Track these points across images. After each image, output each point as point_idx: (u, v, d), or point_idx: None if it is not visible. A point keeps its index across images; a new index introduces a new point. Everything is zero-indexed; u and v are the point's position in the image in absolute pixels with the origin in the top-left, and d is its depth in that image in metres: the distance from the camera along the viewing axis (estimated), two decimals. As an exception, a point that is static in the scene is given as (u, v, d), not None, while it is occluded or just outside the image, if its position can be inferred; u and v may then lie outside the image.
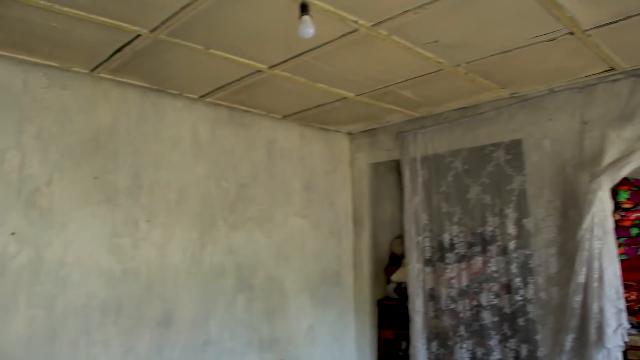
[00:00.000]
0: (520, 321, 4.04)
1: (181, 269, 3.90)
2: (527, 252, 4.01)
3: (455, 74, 3.62)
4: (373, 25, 2.87)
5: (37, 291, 3.19)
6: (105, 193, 3.56)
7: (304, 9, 2.30)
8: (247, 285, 4.32)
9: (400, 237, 5.08)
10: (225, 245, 4.20)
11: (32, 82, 3.31)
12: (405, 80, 3.75)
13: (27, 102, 3.27)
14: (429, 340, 4.57)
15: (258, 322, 4.37)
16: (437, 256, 4.58)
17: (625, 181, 3.55)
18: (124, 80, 3.68)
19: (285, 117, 4.72)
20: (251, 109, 4.46)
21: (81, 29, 2.87)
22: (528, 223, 4.00)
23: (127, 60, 3.33)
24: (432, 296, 4.59)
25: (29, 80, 3.29)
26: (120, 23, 2.81)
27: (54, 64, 3.36)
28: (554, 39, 3.04)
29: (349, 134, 5.42)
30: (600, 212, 3.41)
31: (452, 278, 4.46)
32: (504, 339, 4.16)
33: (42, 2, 2.56)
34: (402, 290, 4.97)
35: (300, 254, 4.79)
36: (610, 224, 3.43)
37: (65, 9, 2.63)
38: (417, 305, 4.57)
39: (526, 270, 4.02)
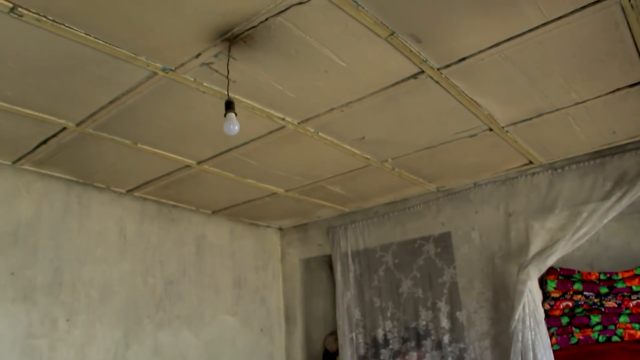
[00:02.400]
0: (458, 419, 3.94)
1: (102, 373, 3.63)
2: (462, 345, 3.97)
3: (383, 169, 3.70)
4: (300, 123, 2.93)
5: None
6: (22, 290, 3.33)
7: (229, 106, 2.31)
8: (173, 389, 4.06)
9: (333, 334, 4.96)
10: (151, 345, 3.97)
11: (-52, 174, 3.14)
12: (333, 176, 3.80)
13: (-59, 195, 3.10)
14: None
15: None
16: (372, 352, 4.47)
17: (552, 270, 3.62)
18: (49, 172, 3.57)
19: (214, 212, 4.65)
20: (180, 204, 4.38)
21: (5, 121, 2.80)
22: (461, 316, 4.00)
23: (52, 153, 3.25)
24: (368, 395, 4.44)
25: (-55, 172, 3.13)
26: (45, 116, 2.76)
27: (-26, 155, 3.23)
28: (475, 135, 3.18)
29: (280, 229, 5.38)
30: (531, 303, 3.46)
31: (387, 375, 4.35)
32: None
33: (-41, 95, 2.48)
34: (337, 389, 4.79)
35: (231, 354, 4.57)
36: (541, 314, 3.47)
37: (-12, 101, 2.56)
38: (353, 406, 4.41)
39: (461, 365, 3.97)
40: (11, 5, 1.91)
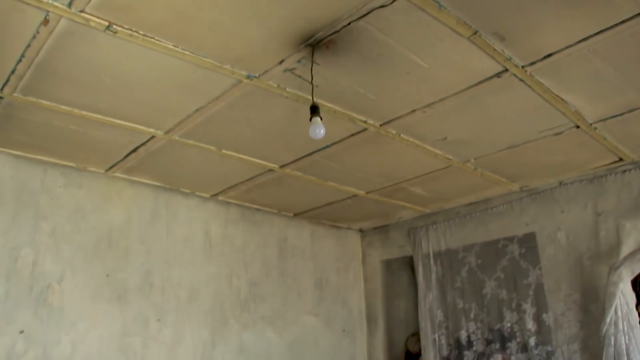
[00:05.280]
0: None
1: (188, 370, 3.79)
2: (549, 348, 3.87)
3: (465, 170, 3.66)
4: (382, 125, 2.96)
5: (43, 392, 3.10)
6: (116, 291, 3.53)
7: (314, 110, 2.38)
8: (258, 387, 4.17)
9: (415, 335, 4.94)
10: (236, 344, 4.10)
11: (49, 181, 3.39)
12: (415, 177, 3.80)
13: (44, 201, 3.34)
14: None
15: None
16: (455, 354, 4.42)
17: (646, 272, 3.48)
18: (138, 179, 3.77)
19: (296, 214, 4.74)
20: (262, 207, 4.50)
21: (98, 131, 2.98)
22: (547, 318, 3.89)
23: (142, 161, 3.42)
24: (451, 397, 4.40)
25: (46, 179, 3.38)
26: (135, 125, 2.92)
27: (71, 164, 3.46)
28: (560, 133, 3.10)
29: (361, 231, 5.41)
30: (624, 306, 3.33)
31: (471, 378, 4.29)
32: None
33: (63, 107, 2.67)
34: (419, 391, 4.77)
35: (313, 354, 4.64)
36: (635, 318, 3.33)
37: (85, 112, 2.74)
38: (437, 408, 4.38)
39: (549, 368, 3.87)
40: (107, 23, 2.05)
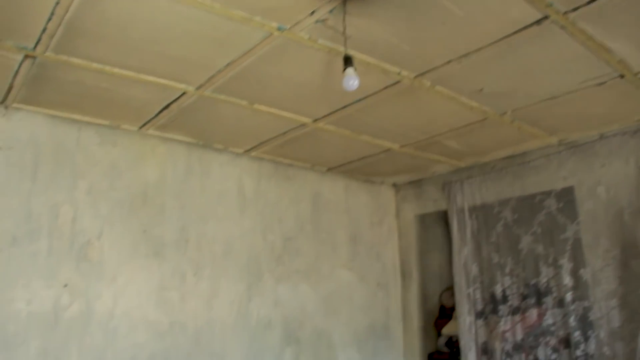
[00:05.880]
0: (582, 378, 3.83)
1: (228, 322, 3.88)
2: (586, 304, 3.83)
3: (501, 122, 3.57)
4: (416, 76, 2.88)
5: (88, 342, 3.24)
6: (153, 246, 3.61)
7: (348, 61, 2.32)
8: (294, 338, 4.25)
9: (449, 289, 4.94)
10: (271, 298, 4.17)
11: (84, 139, 3.44)
12: (450, 130, 3.72)
13: (80, 159, 3.40)
14: (484, 397, 4.37)
15: (306, 378, 4.28)
16: (490, 308, 4.42)
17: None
18: (171, 136, 3.78)
19: (329, 169, 4.72)
20: (295, 162, 4.49)
21: (130, 89, 2.98)
22: (585, 274, 3.84)
23: (174, 117, 3.43)
24: (485, 350, 4.41)
25: (81, 138, 3.43)
26: (166, 82, 2.91)
27: (105, 122, 3.49)
28: (603, 83, 2.98)
29: (395, 185, 5.38)
30: (666, 262, 3.26)
31: (506, 331, 4.28)
32: (564, 397, 3.94)
33: (94, 65, 2.67)
34: (453, 343, 4.80)
35: (348, 307, 4.70)
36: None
37: (116, 70, 2.74)
38: (470, 360, 4.41)
39: (586, 323, 3.83)
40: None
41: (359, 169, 4.75)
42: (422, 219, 5.26)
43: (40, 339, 3.08)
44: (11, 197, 3.13)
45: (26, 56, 2.58)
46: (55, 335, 3.13)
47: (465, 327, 4.47)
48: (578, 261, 3.91)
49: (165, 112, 3.33)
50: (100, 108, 3.28)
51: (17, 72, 2.75)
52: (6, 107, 3.18)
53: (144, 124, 3.55)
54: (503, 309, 4.32)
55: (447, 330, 4.94)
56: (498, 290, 4.36)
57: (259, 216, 4.22)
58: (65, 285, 3.20)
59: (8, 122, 3.20)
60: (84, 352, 3.21)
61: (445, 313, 5.13)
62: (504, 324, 4.31)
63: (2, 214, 3.09)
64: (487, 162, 4.52)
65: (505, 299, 4.33)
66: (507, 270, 4.33)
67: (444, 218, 5.04)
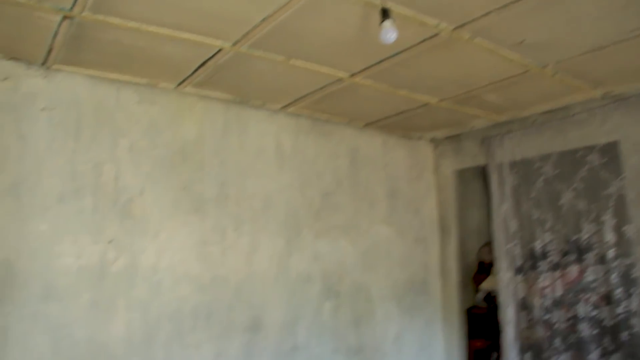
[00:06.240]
0: (624, 335, 3.78)
1: (268, 276, 3.97)
2: (629, 261, 3.76)
3: (543, 75, 3.47)
4: (455, 29, 2.81)
5: (134, 295, 3.37)
6: (194, 203, 3.69)
7: (385, 14, 2.28)
8: (333, 292, 4.32)
9: (488, 245, 4.93)
10: (311, 252, 4.23)
11: (123, 99, 3.50)
12: (489, 84, 3.64)
13: (120, 118, 3.47)
14: (522, 352, 4.37)
15: (345, 329, 4.36)
16: (529, 264, 4.39)
17: None
18: (208, 93, 3.81)
19: (367, 125, 4.69)
20: (333, 118, 4.47)
21: (167, 47, 2.99)
22: (629, 230, 3.75)
23: (211, 75, 3.44)
24: (524, 306, 4.41)
25: (121, 98, 3.49)
26: (203, 38, 2.90)
27: (143, 81, 3.53)
28: (654, 32, 2.84)
29: (433, 140, 5.31)
30: None
31: (545, 287, 4.26)
32: (605, 354, 3.91)
33: (131, 23, 2.69)
34: (492, 299, 4.81)
35: (386, 262, 4.73)
36: None
37: (152, 28, 2.75)
38: (509, 315, 4.41)
39: (628, 280, 3.77)
40: None
41: (396, 124, 4.70)
42: (461, 174, 5.20)
43: (90, 291, 3.23)
44: (57, 157, 3.24)
45: (64, 17, 2.61)
46: (104, 288, 3.27)
47: (504, 282, 4.46)
48: (621, 217, 3.82)
49: (201, 69, 3.34)
50: (137, 67, 3.31)
51: (56, 33, 2.78)
52: (47, 69, 3.25)
53: (181, 82, 3.57)
54: (542, 265, 4.29)
55: (485, 285, 4.95)
56: (538, 246, 4.32)
57: (297, 172, 4.25)
58: (111, 241, 3.32)
59: (50, 84, 3.27)
60: (131, 304, 3.35)
61: (484, 268, 5.13)
62: (544, 280, 4.28)
63: (49, 173, 3.20)
64: (528, 117, 4.41)
65: (545, 255, 4.29)
66: (547, 226, 4.27)
67: (482, 173, 4.99)
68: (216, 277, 3.72)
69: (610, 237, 3.87)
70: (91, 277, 3.25)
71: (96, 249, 3.27)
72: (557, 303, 4.20)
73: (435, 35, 2.87)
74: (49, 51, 3.01)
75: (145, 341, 3.39)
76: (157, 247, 3.50)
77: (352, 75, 3.47)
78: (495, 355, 4.69)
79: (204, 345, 3.61)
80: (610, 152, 3.89)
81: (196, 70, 3.35)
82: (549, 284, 4.25)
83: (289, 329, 4.03)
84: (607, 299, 3.92)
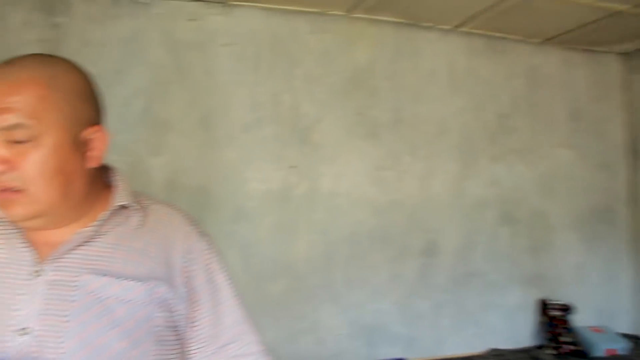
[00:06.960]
0: None
1: (443, 201, 3.95)
2: None
3: None
4: None
5: (314, 218, 3.57)
6: (368, 128, 3.75)
7: None
8: (510, 218, 4.19)
9: (688, 168, 4.43)
10: (486, 177, 4.13)
11: (297, 29, 3.61)
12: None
13: (294, 48, 3.59)
14: None
15: (522, 257, 4.23)
16: None
17: None
18: (378, 17, 3.77)
19: (545, 41, 4.35)
20: (507, 36, 4.22)
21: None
22: None
23: (381, -2, 3.38)
24: None
25: (294, 28, 3.60)
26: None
27: (314, 9, 3.59)
28: None
29: (622, 54, 4.79)
30: None
31: None
32: None
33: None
34: (691, 227, 4.37)
35: (566, 187, 4.46)
36: None
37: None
38: None
39: None
40: None
41: (578, 39, 4.30)
42: (656, 91, 4.67)
43: (275, 214, 3.48)
44: (239, 89, 3.46)
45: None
46: (287, 211, 3.50)
47: None
48: None
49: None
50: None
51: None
52: (224, 5, 3.41)
53: (352, 8, 3.56)
54: None
55: (683, 212, 4.50)
56: None
57: (470, 94, 4.11)
58: (291, 167, 3.50)
59: (229, 19, 3.45)
60: (311, 226, 3.56)
61: (682, 194, 4.64)
62: None
63: (233, 104, 3.44)
64: None
65: None
66: None
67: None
68: (392, 201, 3.78)
69: None
70: (276, 200, 3.48)
71: (279, 175, 3.49)
72: None
73: None
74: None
75: (325, 262, 3.59)
76: (335, 172, 3.63)
77: (531, -16, 3.21)
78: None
79: (380, 267, 3.73)
80: None
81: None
82: None
83: (464, 254, 4.01)
84: None
